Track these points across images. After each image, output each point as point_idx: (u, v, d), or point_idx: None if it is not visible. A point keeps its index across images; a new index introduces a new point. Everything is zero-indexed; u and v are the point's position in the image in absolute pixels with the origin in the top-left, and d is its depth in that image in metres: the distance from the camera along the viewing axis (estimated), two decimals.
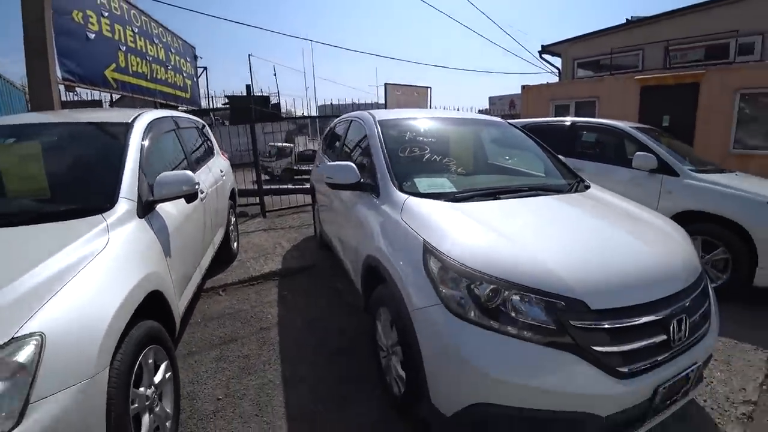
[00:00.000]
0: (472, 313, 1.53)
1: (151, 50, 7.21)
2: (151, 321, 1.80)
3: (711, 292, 2.01)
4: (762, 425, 2.14)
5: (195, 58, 9.57)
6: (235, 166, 6.56)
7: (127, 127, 2.40)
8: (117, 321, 1.48)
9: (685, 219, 3.86)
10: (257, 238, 5.16)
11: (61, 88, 5.21)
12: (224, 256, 4.07)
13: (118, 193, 1.98)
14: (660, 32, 9.85)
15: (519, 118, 10.22)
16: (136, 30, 6.76)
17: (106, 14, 6.06)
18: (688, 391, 1.76)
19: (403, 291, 1.79)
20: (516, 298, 1.53)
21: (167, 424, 1.86)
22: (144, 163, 2.30)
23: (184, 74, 8.77)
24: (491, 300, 1.53)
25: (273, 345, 2.80)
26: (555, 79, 12.78)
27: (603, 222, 2.16)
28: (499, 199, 2.28)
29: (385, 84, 7.79)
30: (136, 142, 2.32)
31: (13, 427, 1.09)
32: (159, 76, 7.42)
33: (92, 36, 5.73)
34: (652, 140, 4.46)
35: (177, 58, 8.39)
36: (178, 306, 2.29)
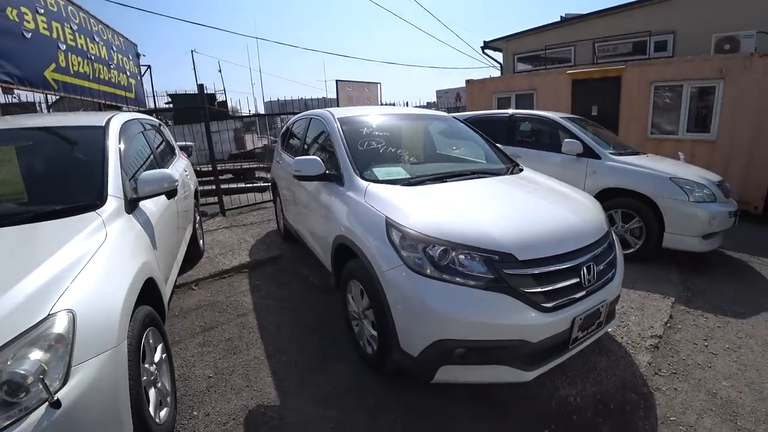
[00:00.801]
0: (429, 270, 1.92)
1: (92, 48, 6.95)
2: (148, 306, 2.00)
3: (617, 247, 2.49)
4: (665, 352, 2.73)
5: (138, 56, 9.25)
6: None
7: (103, 129, 2.52)
8: (128, 301, 1.69)
9: (607, 195, 4.48)
10: (221, 236, 5.27)
11: None
12: (193, 253, 4.18)
13: (107, 191, 2.14)
14: (589, 30, 10.77)
15: (465, 109, 10.80)
16: (75, 27, 6.51)
17: (42, 11, 5.80)
18: (601, 324, 2.22)
19: (372, 260, 2.14)
20: (462, 255, 1.92)
21: (168, 399, 2.07)
22: (123, 162, 2.44)
23: (128, 73, 8.48)
24: (442, 258, 1.92)
25: (252, 328, 3.04)
26: (497, 73, 13.54)
27: (531, 196, 2.65)
28: (446, 182, 2.69)
29: (337, 81, 7.99)
30: (113, 143, 2.47)
31: (60, 388, 1.29)
32: (102, 76, 7.17)
33: (29, 35, 5.49)
34: (579, 128, 5.06)
35: (119, 56, 8.11)
36: (166, 293, 2.47)
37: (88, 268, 1.63)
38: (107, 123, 2.60)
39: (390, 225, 2.11)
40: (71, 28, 6.36)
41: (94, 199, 2.08)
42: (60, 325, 1.36)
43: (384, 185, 2.53)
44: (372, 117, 3.45)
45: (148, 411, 1.75)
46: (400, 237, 2.04)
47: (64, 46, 6.12)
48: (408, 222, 2.07)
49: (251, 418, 2.12)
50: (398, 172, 2.77)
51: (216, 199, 6.47)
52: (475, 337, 1.84)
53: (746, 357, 2.67)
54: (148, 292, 2.12)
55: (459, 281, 1.87)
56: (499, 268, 1.89)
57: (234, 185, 7.31)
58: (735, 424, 2.10)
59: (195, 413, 2.18)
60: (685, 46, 9.35)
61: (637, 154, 4.99)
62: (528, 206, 2.43)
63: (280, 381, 2.41)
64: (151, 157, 3.20)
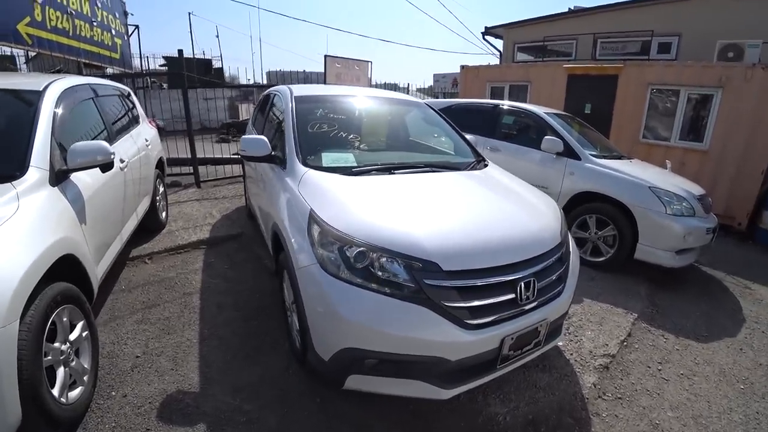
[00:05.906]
0: (343, 272, 1.77)
1: (72, 3, 6.68)
2: (65, 283, 1.93)
3: (571, 260, 2.29)
4: (614, 374, 2.60)
5: (125, 14, 8.94)
6: (170, 133, 6.39)
7: (39, 94, 2.39)
8: (27, 280, 1.61)
9: (583, 199, 4.37)
10: (188, 208, 5.18)
11: None
12: (151, 226, 4.11)
13: (29, 161, 2.04)
14: (593, 24, 10.47)
15: (459, 96, 10.59)
16: None
17: None
18: (540, 343, 2.04)
19: (292, 253, 2.03)
20: (383, 259, 1.77)
21: (84, 378, 2.03)
22: (57, 131, 2.33)
23: (113, 32, 8.20)
24: (359, 261, 1.77)
25: (194, 308, 2.98)
26: (496, 60, 13.24)
27: (482, 197, 2.46)
28: (394, 173, 2.53)
29: (325, 56, 7.73)
30: (48, 110, 2.34)
31: None
32: (83, 33, 6.92)
33: None
34: (563, 126, 4.90)
35: (104, 13, 7.82)
36: (96, 271, 2.41)
37: None
38: (45, 88, 2.46)
39: (312, 218, 1.98)
40: None
41: (13, 170, 1.98)
42: None
43: (322, 173, 2.39)
44: (333, 97, 3.28)
45: (48, 392, 1.70)
46: (319, 232, 1.92)
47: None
48: (328, 217, 1.93)
49: (167, 404, 2.08)
50: (346, 158, 2.63)
51: (191, 169, 6.34)
52: (386, 350, 1.71)
53: (699, 386, 2.56)
54: (72, 269, 2.07)
55: (374, 288, 1.73)
56: (419, 277, 1.73)
57: (210, 156, 7.14)
58: None
59: (113, 393, 2.15)
60: (689, 50, 9.13)
61: (621, 158, 4.86)
62: (473, 209, 2.22)
63: (206, 367, 2.37)
64: (101, 126, 3.07)
